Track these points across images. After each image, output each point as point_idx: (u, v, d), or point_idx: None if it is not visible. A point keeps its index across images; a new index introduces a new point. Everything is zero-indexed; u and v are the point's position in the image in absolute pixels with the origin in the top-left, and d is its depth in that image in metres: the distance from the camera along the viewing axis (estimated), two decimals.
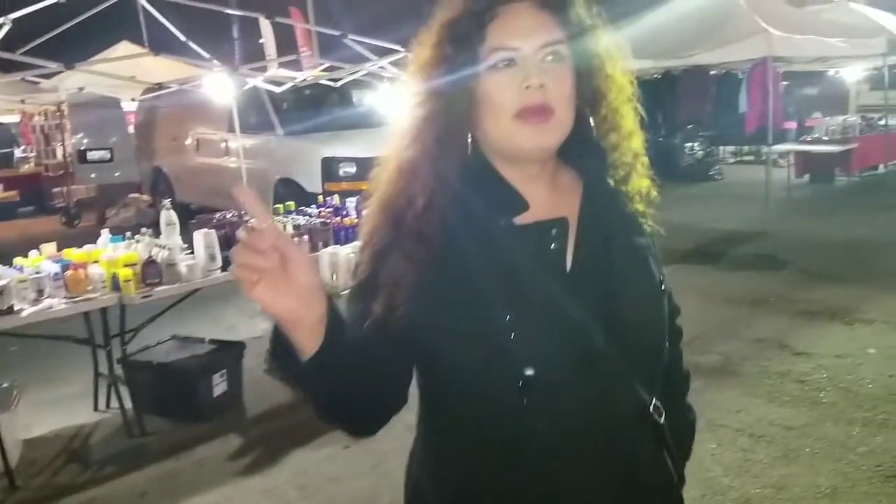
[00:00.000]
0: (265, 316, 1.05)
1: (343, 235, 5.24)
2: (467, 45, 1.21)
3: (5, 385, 4.65)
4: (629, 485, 1.24)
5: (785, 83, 14.40)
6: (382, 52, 7.83)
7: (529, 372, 1.15)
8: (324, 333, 1.06)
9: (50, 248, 4.63)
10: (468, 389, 1.22)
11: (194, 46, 7.90)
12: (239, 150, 8.94)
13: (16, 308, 4.01)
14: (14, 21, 6.36)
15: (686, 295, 7.37)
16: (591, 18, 1.29)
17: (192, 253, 4.70)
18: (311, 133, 9.65)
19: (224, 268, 4.68)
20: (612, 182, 1.35)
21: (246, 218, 5.09)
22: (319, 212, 5.55)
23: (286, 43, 10.98)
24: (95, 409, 4.98)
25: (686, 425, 1.47)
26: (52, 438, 4.65)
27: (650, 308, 1.30)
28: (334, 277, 4.84)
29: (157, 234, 4.74)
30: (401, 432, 1.41)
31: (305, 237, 5.12)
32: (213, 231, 4.70)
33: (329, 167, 9.14)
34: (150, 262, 4.40)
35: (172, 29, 7.74)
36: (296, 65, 10.00)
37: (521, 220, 1.24)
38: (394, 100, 1.23)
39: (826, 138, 12.70)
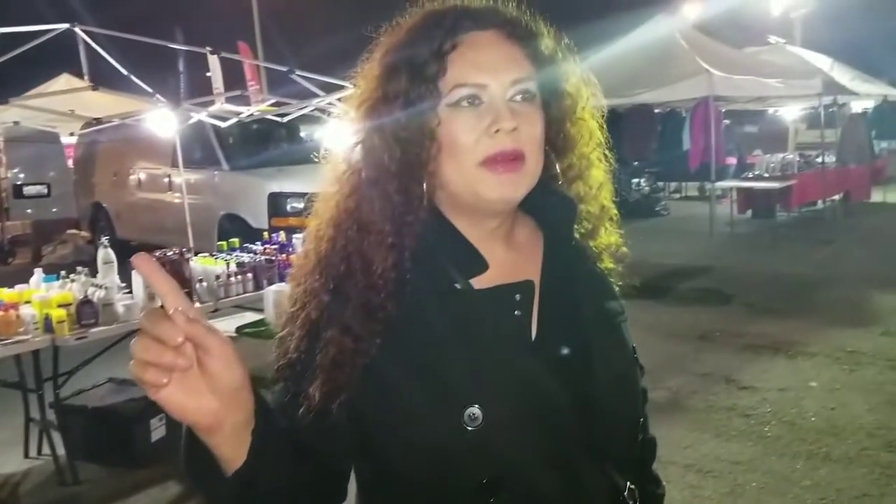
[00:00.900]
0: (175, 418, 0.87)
1: (289, 273, 5.16)
2: (423, 79, 1.03)
3: None
4: None
5: (726, 121, 14.78)
6: (330, 88, 7.80)
7: (496, 474, 0.99)
8: (250, 439, 0.89)
9: None
10: (420, 493, 1.03)
11: (137, 81, 7.77)
12: (182, 185, 8.80)
13: None
14: None
15: (634, 330, 7.43)
16: (562, 52, 1.14)
17: (131, 292, 4.56)
18: (257, 168, 9.56)
19: (163, 308, 4.54)
20: (577, 237, 1.20)
21: (188, 256, 4.98)
22: (265, 248, 5.47)
23: (234, 77, 10.90)
24: (26, 456, 4.75)
25: (655, 502, 1.26)
26: None
27: (626, 385, 1.14)
28: (279, 317, 4.75)
29: (94, 272, 4.60)
30: None
31: (250, 275, 5.03)
32: None
33: (276, 203, 9.05)
34: (85, 302, 4.26)
35: (114, 63, 7.60)
36: (243, 99, 9.92)
37: (480, 282, 1.08)
38: (340, 136, 1.07)
39: (767, 175, 13.02)
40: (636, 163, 14.87)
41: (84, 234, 13.07)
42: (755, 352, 6.03)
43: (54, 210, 12.80)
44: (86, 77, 8.35)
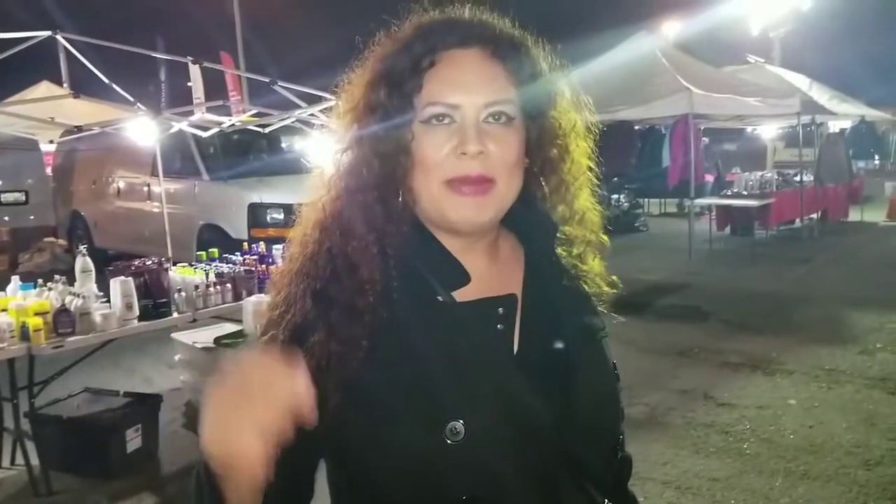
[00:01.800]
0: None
1: (270, 279, 5.12)
2: (400, 93, 1.04)
3: None
4: None
5: (705, 140, 14.91)
6: (312, 100, 7.79)
7: (476, 490, 0.98)
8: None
9: None
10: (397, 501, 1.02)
11: (118, 89, 7.72)
12: (162, 194, 8.74)
13: None
14: None
15: (612, 345, 7.42)
16: (550, 71, 1.12)
17: (108, 301, 4.51)
18: (237, 178, 9.52)
19: (142, 317, 4.51)
20: (561, 256, 1.19)
21: (166, 265, 4.94)
22: (244, 259, 5.43)
23: (215, 87, 10.86)
24: None
25: None
26: None
27: (607, 400, 1.13)
28: (258, 328, 4.72)
29: (71, 281, 4.55)
30: None
31: (229, 285, 5.00)
32: (130, 279, 4.53)
33: (256, 213, 9.02)
34: (62, 311, 4.21)
35: (96, 71, 7.56)
36: (224, 109, 9.88)
37: (463, 295, 1.07)
38: (322, 147, 1.06)
39: (745, 193, 13.14)
40: (616, 179, 14.96)
41: (61, 242, 12.95)
42: (733, 369, 6.05)
43: (32, 218, 12.69)
44: (65, 84, 8.30)
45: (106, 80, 7.47)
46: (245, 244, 5.99)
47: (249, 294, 5.04)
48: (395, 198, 1.06)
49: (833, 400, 5.29)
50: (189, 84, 10.48)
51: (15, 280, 4.60)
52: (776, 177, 13.83)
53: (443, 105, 1.03)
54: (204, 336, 5.37)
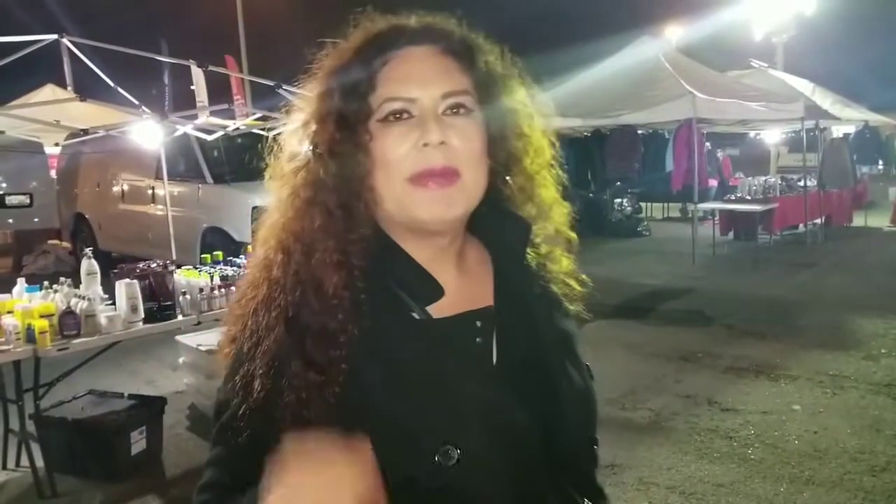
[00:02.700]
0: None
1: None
2: (354, 95, 1.02)
3: None
4: None
5: (708, 144, 14.90)
6: None
7: None
8: None
9: None
10: None
11: (123, 93, 7.73)
12: (166, 197, 8.75)
13: None
14: None
15: (615, 350, 7.44)
16: (504, 67, 1.10)
17: (114, 304, 4.51)
18: (241, 182, 9.53)
19: (147, 319, 4.52)
20: (530, 257, 1.16)
21: (171, 268, 4.94)
22: (248, 262, 5.43)
23: (219, 91, 10.87)
24: (4, 467, 4.71)
25: None
26: None
27: (588, 403, 1.12)
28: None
29: (76, 283, 4.56)
30: None
31: (233, 288, 5.00)
32: (135, 281, 4.53)
33: (259, 216, 9.01)
34: (68, 313, 4.23)
35: (101, 75, 7.56)
36: (228, 113, 9.89)
37: (437, 309, 1.04)
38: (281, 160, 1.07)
39: (749, 198, 13.12)
40: (619, 183, 14.96)
41: (65, 244, 12.99)
42: (737, 374, 6.04)
43: (36, 220, 12.70)
44: (69, 88, 8.31)
45: (112, 84, 7.47)
46: (249, 247, 5.99)
47: None
48: (357, 200, 1.02)
49: (838, 405, 5.29)
50: (192, 87, 10.49)
51: (21, 282, 4.61)
52: (780, 182, 13.80)
53: (400, 100, 1.01)
54: (208, 339, 5.38)
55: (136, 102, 7.72)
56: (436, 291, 1.04)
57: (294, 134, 1.07)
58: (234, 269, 5.26)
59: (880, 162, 18.34)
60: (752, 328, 7.41)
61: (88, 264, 4.57)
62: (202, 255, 5.74)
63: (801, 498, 4.00)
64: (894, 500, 3.95)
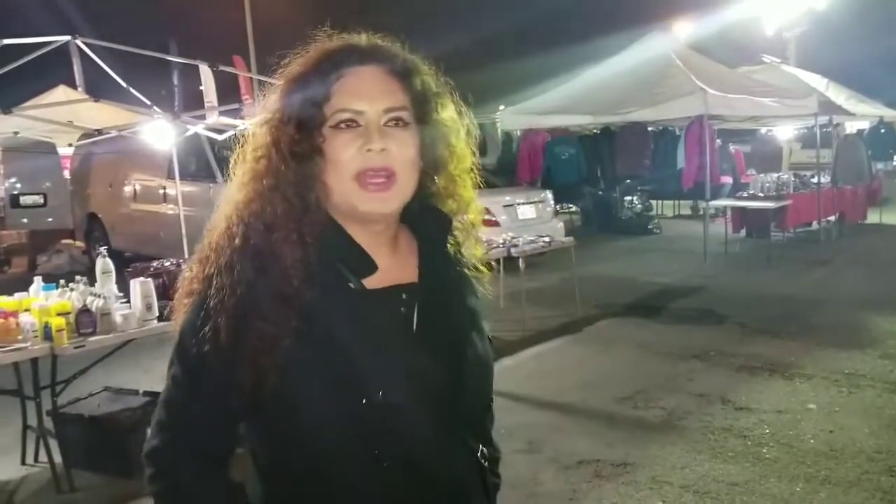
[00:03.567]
0: None
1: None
2: (312, 104, 1.24)
3: None
4: None
5: (718, 140, 14.83)
6: None
7: (387, 447, 1.22)
8: None
9: None
10: (324, 465, 1.23)
11: (135, 93, 7.75)
12: (178, 196, 8.76)
13: None
14: None
15: (627, 348, 7.42)
16: (438, 87, 1.33)
17: (128, 302, 4.54)
18: None
19: (161, 317, 4.54)
20: (449, 244, 1.40)
21: (184, 267, 4.96)
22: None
23: (228, 91, 10.88)
24: (23, 463, 4.74)
25: (494, 463, 1.48)
26: None
27: (487, 368, 1.38)
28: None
29: (91, 282, 4.59)
30: None
31: None
32: (150, 280, 4.57)
33: None
34: (84, 311, 4.26)
35: (114, 76, 7.59)
36: (238, 113, 9.90)
37: (370, 282, 1.28)
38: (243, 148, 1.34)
39: (761, 195, 13.04)
40: (629, 180, 14.90)
41: (79, 244, 13.06)
42: (751, 373, 6.01)
43: (50, 220, 12.80)
44: (80, 88, 8.33)
45: (124, 84, 7.50)
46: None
47: None
48: (311, 192, 1.25)
49: (854, 404, 5.25)
50: (200, 87, 10.52)
51: (37, 281, 4.67)
52: (793, 178, 13.71)
53: (350, 111, 1.24)
54: None
55: (148, 103, 7.75)
56: (370, 267, 1.28)
57: (261, 128, 1.29)
58: None
59: (895, 158, 18.21)
60: (765, 326, 7.37)
61: (104, 263, 4.61)
62: None
63: (817, 498, 3.98)
64: None
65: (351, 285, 1.25)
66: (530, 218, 10.83)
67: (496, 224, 10.12)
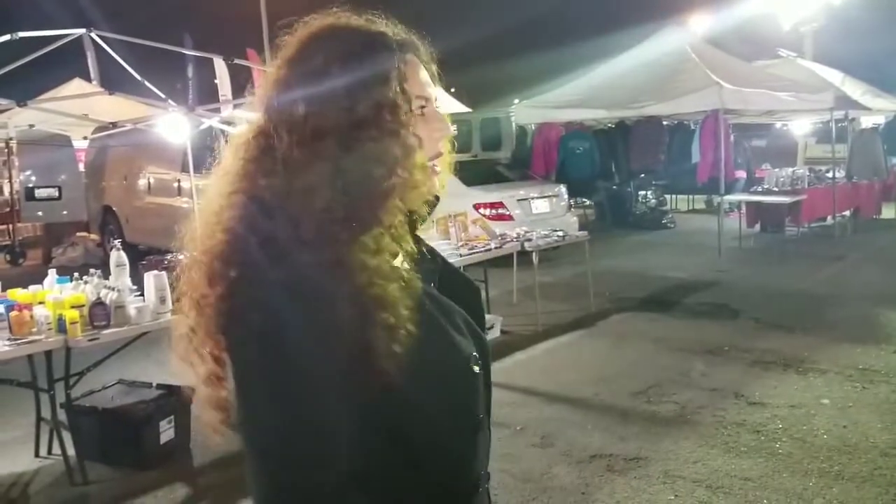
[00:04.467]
0: None
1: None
2: (396, 86, 1.16)
3: None
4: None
5: (734, 134, 14.75)
6: None
7: (482, 410, 1.27)
8: None
9: None
10: (431, 438, 1.20)
11: (150, 86, 7.79)
12: (192, 190, 8.80)
13: None
14: None
15: (641, 343, 7.38)
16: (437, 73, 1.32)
17: (143, 295, 4.57)
18: None
19: (175, 311, 4.56)
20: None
21: None
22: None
23: (243, 84, 10.90)
24: (37, 455, 4.78)
25: None
26: None
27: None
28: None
29: (106, 274, 4.61)
30: None
31: None
32: (164, 273, 4.58)
33: None
34: (98, 304, 4.28)
35: (129, 69, 7.64)
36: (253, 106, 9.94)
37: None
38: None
39: (776, 189, 12.97)
40: (643, 175, 14.86)
41: (94, 237, 13.13)
42: (764, 367, 5.99)
43: (65, 213, 12.88)
44: (94, 81, 8.39)
45: (139, 77, 7.54)
46: None
47: None
48: (394, 183, 1.17)
49: (868, 400, 5.23)
50: (215, 81, 10.55)
51: (52, 273, 4.69)
52: (808, 173, 13.63)
53: (426, 98, 1.22)
54: None
55: (163, 96, 7.79)
56: (436, 266, 1.32)
57: (306, 112, 1.13)
58: None
59: None
60: (779, 321, 7.34)
61: (118, 256, 4.63)
62: None
63: (830, 493, 3.96)
64: None
65: (430, 287, 1.25)
66: (544, 212, 10.83)
67: (510, 218, 10.13)
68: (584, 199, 15.85)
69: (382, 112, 1.13)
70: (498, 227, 8.23)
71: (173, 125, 7.67)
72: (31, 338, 4.12)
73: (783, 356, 6.20)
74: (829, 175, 13.48)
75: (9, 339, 4.06)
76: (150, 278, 4.54)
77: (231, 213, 1.15)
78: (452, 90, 12.31)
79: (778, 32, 20.44)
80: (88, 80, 8.85)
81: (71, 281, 4.55)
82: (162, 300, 4.52)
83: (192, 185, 8.81)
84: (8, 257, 13.13)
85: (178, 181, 10.59)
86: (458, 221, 7.32)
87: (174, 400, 4.81)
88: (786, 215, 12.08)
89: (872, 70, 17.06)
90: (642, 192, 15.47)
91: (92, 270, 4.64)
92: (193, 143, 8.52)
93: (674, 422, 4.97)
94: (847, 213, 13.65)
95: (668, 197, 16.42)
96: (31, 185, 12.70)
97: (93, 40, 7.58)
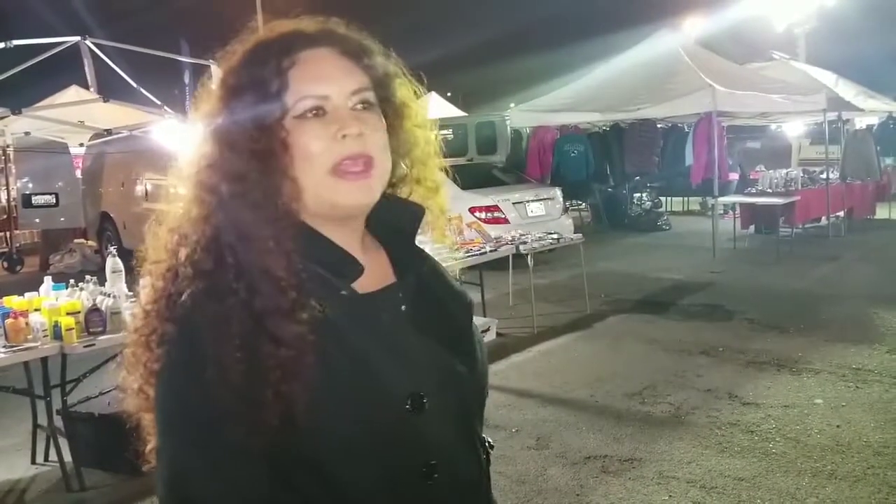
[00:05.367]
0: None
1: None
2: (268, 96, 1.08)
3: None
4: None
5: (728, 136, 14.81)
6: None
7: (433, 461, 1.10)
8: None
9: None
10: (369, 482, 1.07)
11: (145, 93, 7.82)
12: None
13: None
14: None
15: (635, 344, 7.41)
16: (392, 66, 1.21)
17: (138, 301, 4.57)
18: None
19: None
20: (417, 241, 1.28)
21: None
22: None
23: None
24: (33, 462, 4.78)
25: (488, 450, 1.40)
26: None
27: (486, 361, 1.27)
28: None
29: (102, 281, 4.63)
30: None
31: None
32: None
33: None
34: (93, 310, 4.29)
35: (124, 75, 7.67)
36: None
37: (360, 286, 1.13)
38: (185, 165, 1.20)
39: (770, 191, 13.03)
40: (638, 177, 14.91)
41: (91, 243, 13.13)
42: (758, 368, 6.03)
43: (62, 219, 12.88)
44: (91, 88, 8.42)
45: (134, 84, 7.57)
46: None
47: None
48: (278, 192, 1.07)
49: (861, 399, 5.26)
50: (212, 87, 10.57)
51: (48, 280, 4.70)
52: (802, 174, 13.69)
53: (314, 97, 1.09)
54: None
55: (159, 102, 7.82)
56: (356, 270, 1.14)
57: (206, 136, 1.12)
58: None
59: None
60: (773, 322, 7.37)
61: (113, 262, 4.64)
62: None
63: (823, 492, 4.00)
64: None
65: (343, 292, 1.10)
66: (539, 215, 10.87)
67: (505, 221, 10.17)
68: (579, 202, 15.89)
69: (257, 127, 1.08)
70: (493, 231, 8.28)
71: (170, 131, 7.70)
72: (26, 345, 4.13)
73: (777, 356, 6.24)
74: (823, 176, 13.53)
75: (4, 347, 4.07)
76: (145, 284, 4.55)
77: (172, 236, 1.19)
78: (448, 94, 12.38)
79: (771, 35, 20.53)
80: (86, 87, 8.88)
81: (67, 288, 4.57)
82: None
83: None
84: (6, 264, 13.14)
85: (176, 188, 10.60)
86: (454, 225, 7.36)
87: None
88: (780, 216, 12.13)
89: (865, 71, 17.15)
90: (637, 195, 15.53)
91: (87, 277, 4.65)
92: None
93: (668, 422, 5.01)
94: (841, 213, 13.70)
95: (662, 199, 16.48)
96: (28, 192, 12.71)
97: (89, 48, 7.59)
